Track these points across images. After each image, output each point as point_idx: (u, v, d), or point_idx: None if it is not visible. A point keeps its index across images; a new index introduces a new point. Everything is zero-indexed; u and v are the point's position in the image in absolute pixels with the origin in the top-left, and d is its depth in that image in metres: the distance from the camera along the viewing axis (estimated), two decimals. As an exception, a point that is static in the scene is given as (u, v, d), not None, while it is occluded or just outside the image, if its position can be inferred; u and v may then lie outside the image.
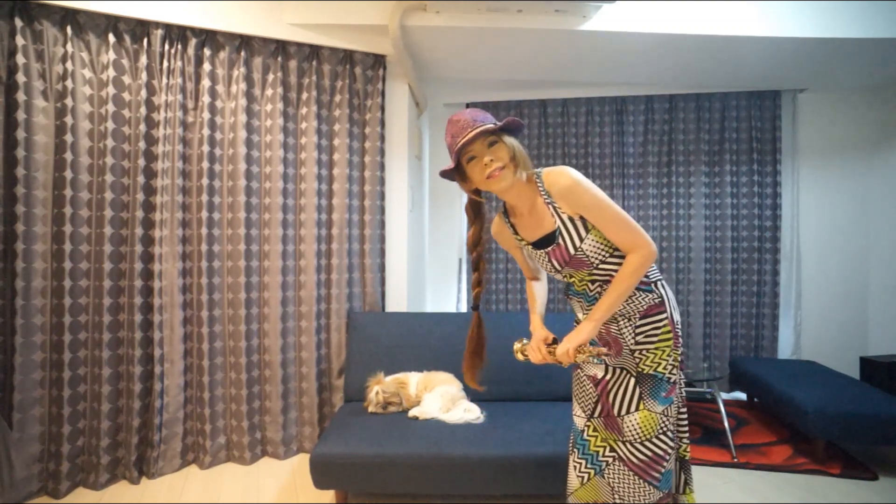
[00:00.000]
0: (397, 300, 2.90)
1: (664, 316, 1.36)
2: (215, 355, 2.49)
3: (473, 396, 2.35)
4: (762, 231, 3.46)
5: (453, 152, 1.29)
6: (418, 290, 3.35)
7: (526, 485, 1.85)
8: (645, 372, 1.35)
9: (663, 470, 1.37)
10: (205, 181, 2.44)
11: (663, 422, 1.35)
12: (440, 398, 2.21)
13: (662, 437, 1.36)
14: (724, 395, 3.42)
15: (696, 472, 2.40)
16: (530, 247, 1.40)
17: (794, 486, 2.26)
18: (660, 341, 1.35)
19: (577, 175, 1.27)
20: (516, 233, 1.43)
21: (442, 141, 3.76)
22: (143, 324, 2.35)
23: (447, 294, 3.79)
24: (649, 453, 1.35)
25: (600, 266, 1.33)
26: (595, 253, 1.30)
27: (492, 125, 1.26)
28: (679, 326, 1.39)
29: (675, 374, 1.36)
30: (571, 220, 1.30)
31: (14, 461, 2.03)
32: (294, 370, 2.61)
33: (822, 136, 3.52)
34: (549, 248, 1.34)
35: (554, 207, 1.31)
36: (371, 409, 2.24)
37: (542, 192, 1.32)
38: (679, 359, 1.39)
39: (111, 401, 2.29)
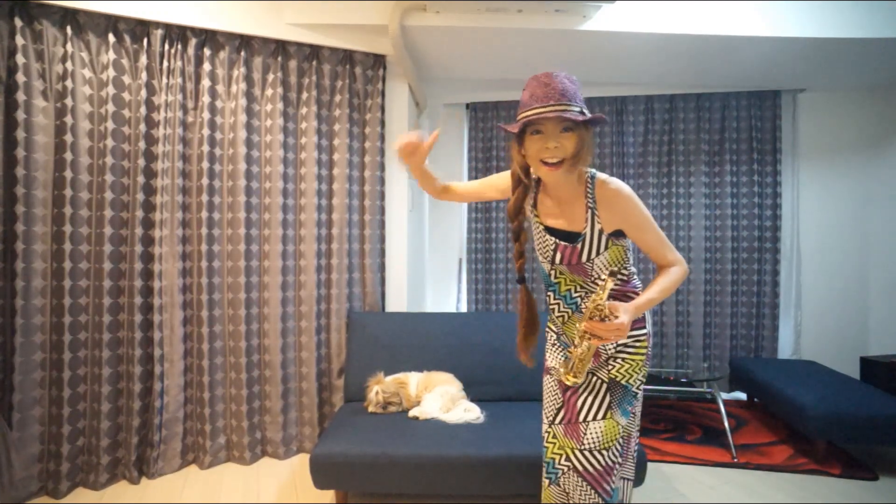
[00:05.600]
0: (397, 300, 2.90)
1: (644, 331, 1.36)
2: (215, 355, 2.49)
3: (473, 396, 2.35)
4: (762, 231, 3.46)
5: (522, 113, 1.19)
6: (418, 290, 3.35)
7: (526, 485, 1.84)
8: (617, 380, 1.33)
9: (613, 484, 1.34)
10: (205, 181, 2.44)
11: (621, 435, 1.34)
12: (440, 398, 2.21)
13: (614, 449, 1.33)
14: (724, 395, 3.42)
15: (696, 471, 2.40)
16: (542, 227, 1.36)
17: (794, 486, 2.26)
18: (635, 353, 1.34)
19: (632, 192, 1.25)
20: (535, 207, 1.38)
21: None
22: (143, 324, 2.35)
23: (447, 294, 3.79)
24: (604, 463, 1.32)
25: (594, 281, 1.32)
26: (599, 269, 1.30)
27: (577, 113, 1.16)
28: (651, 345, 1.39)
29: (640, 390, 1.36)
30: (601, 233, 1.27)
31: (14, 461, 2.02)
32: (294, 370, 2.61)
33: (821, 136, 3.52)
34: (563, 244, 1.31)
35: (593, 214, 1.26)
36: (371, 409, 2.24)
37: (589, 196, 1.26)
38: (645, 377, 1.38)
39: (111, 401, 2.29)
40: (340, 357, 2.71)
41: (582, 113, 1.18)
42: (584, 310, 1.22)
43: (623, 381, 1.34)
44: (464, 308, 3.74)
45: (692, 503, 2.11)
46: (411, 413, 2.18)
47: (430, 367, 2.45)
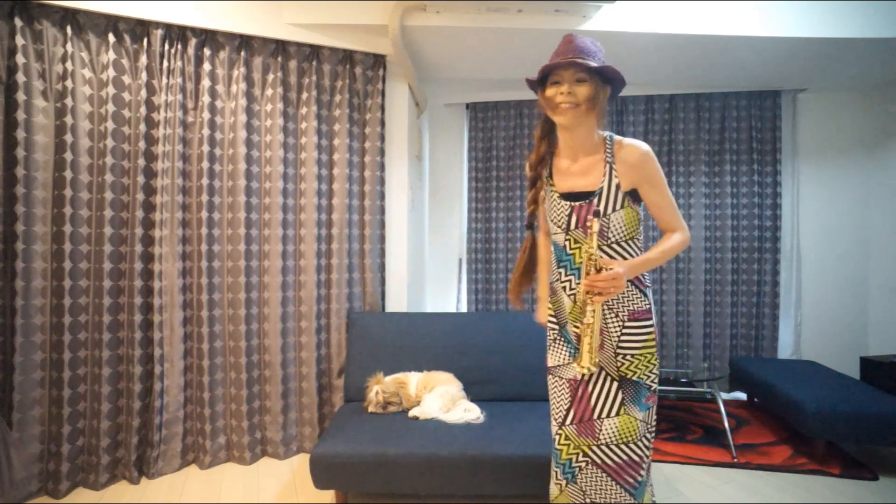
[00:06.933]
0: (397, 300, 2.90)
1: (650, 324, 1.36)
2: (215, 355, 2.49)
3: (473, 396, 2.35)
4: (762, 231, 3.46)
5: (547, 65, 1.31)
6: (418, 290, 3.35)
7: (526, 485, 1.84)
8: (628, 377, 1.35)
9: (640, 477, 1.35)
10: (205, 181, 2.44)
11: (644, 428, 1.35)
12: (440, 398, 2.21)
13: (641, 442, 1.34)
14: (724, 395, 3.42)
15: (696, 471, 2.40)
16: (556, 195, 1.38)
17: (794, 486, 2.26)
18: (643, 348, 1.35)
19: (650, 150, 1.32)
20: (550, 177, 1.42)
21: (442, 141, 3.76)
22: (142, 324, 2.35)
23: (447, 294, 3.79)
24: (625, 457, 1.34)
25: (610, 245, 1.34)
26: (614, 229, 1.33)
27: (591, 62, 1.26)
28: (658, 343, 1.42)
29: (654, 383, 1.37)
30: (618, 188, 1.31)
31: (14, 461, 2.03)
32: (294, 370, 2.61)
33: (822, 136, 3.52)
34: (578, 203, 1.34)
35: (611, 169, 1.32)
36: (371, 409, 2.24)
37: (608, 152, 1.33)
38: (658, 369, 1.40)
39: (111, 401, 2.29)
40: (340, 357, 2.71)
41: (600, 63, 1.27)
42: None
43: (634, 378, 1.35)
44: (464, 308, 3.74)
45: (692, 503, 2.12)
46: (411, 413, 2.18)
47: (430, 367, 2.45)
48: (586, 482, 1.37)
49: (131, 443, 2.30)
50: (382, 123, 2.77)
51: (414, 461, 1.86)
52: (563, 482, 1.41)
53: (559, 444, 1.42)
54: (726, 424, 2.60)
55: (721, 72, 3.14)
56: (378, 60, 2.73)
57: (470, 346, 2.51)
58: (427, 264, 3.76)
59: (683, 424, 2.97)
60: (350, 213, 2.72)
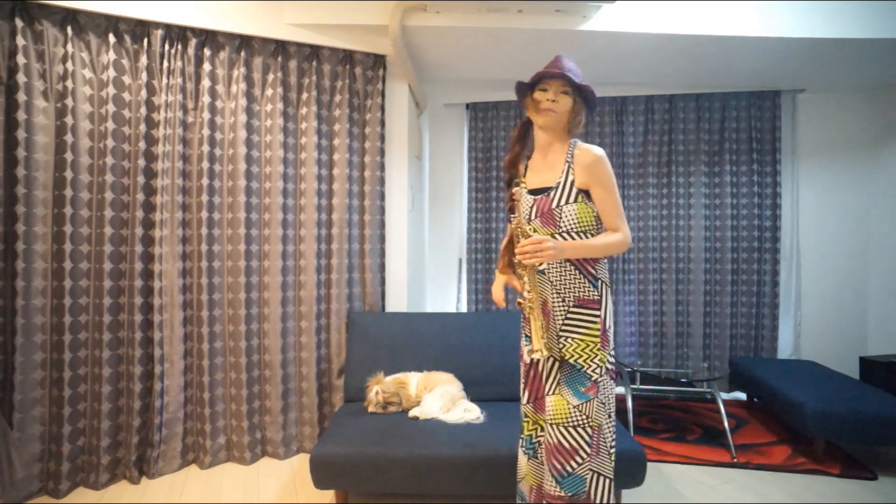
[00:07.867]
0: (397, 300, 2.90)
1: (597, 314, 1.44)
2: (215, 355, 2.49)
3: (473, 396, 2.35)
4: (762, 231, 3.46)
5: (540, 73, 1.48)
6: (418, 290, 3.35)
7: (526, 485, 1.84)
8: (566, 358, 1.44)
9: (569, 468, 1.40)
10: (205, 181, 2.44)
11: (578, 418, 1.40)
12: (440, 398, 2.21)
13: (576, 430, 1.40)
14: (724, 395, 3.42)
15: (696, 471, 2.40)
16: (525, 191, 1.53)
17: (794, 486, 2.26)
18: (586, 334, 1.43)
19: (605, 156, 1.45)
20: (523, 175, 1.57)
21: (441, 141, 3.77)
22: (143, 324, 2.35)
23: (447, 294, 3.79)
24: (557, 439, 1.41)
25: (562, 233, 1.44)
26: (566, 219, 1.45)
27: (575, 79, 1.44)
28: (611, 333, 1.46)
29: (597, 374, 1.42)
30: (572, 184, 1.45)
31: (14, 461, 2.03)
32: (294, 370, 2.61)
33: (821, 136, 3.52)
34: (539, 197, 1.48)
35: (569, 167, 1.46)
36: (371, 409, 2.25)
37: (569, 154, 1.48)
38: (609, 365, 1.45)
39: (111, 401, 2.29)
40: (340, 357, 2.71)
41: (579, 83, 1.45)
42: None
43: (571, 360, 1.43)
44: (464, 308, 3.74)
45: (692, 503, 2.12)
46: (411, 413, 2.19)
47: (430, 367, 2.45)
48: (544, 456, 1.50)
49: (131, 443, 2.30)
50: (382, 123, 2.77)
51: (414, 461, 1.86)
52: (527, 456, 1.57)
53: (523, 419, 1.60)
54: (726, 424, 2.60)
55: (721, 72, 3.14)
56: (378, 60, 2.73)
57: (470, 346, 2.51)
58: (427, 264, 3.76)
59: (683, 424, 2.97)
60: (350, 213, 2.72)
